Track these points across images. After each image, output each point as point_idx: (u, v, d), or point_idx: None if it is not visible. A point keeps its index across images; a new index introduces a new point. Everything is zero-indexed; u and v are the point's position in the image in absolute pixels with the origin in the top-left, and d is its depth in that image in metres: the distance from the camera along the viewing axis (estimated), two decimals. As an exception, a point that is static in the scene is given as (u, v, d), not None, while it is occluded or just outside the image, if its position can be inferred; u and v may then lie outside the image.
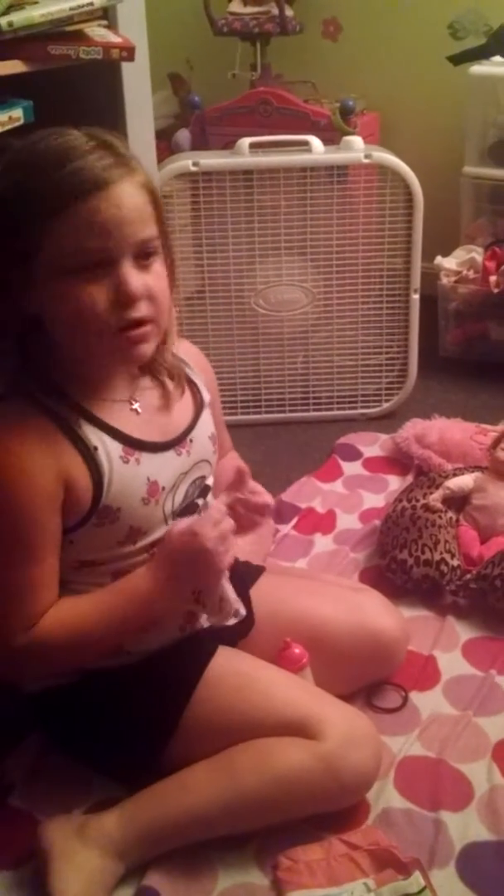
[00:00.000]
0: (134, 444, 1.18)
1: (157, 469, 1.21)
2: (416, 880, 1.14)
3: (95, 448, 1.14)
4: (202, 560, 1.15)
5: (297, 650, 1.36)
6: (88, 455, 1.14)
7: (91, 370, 1.17)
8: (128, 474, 1.17)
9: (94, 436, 1.15)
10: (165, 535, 1.19)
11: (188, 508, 1.27)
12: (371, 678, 1.47)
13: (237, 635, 1.36)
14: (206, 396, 1.31)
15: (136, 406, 1.21)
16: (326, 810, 1.22)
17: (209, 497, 1.31)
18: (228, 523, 1.17)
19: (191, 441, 1.26)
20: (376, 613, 1.45)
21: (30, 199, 1.04)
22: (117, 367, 1.19)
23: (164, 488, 1.22)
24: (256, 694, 1.25)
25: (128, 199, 1.07)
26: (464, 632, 1.63)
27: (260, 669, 1.29)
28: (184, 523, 1.17)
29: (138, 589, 1.18)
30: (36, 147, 1.08)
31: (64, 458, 1.12)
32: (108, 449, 1.15)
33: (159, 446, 1.21)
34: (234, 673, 1.26)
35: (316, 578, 1.57)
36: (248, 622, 1.37)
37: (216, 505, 1.20)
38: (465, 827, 1.24)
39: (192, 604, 1.21)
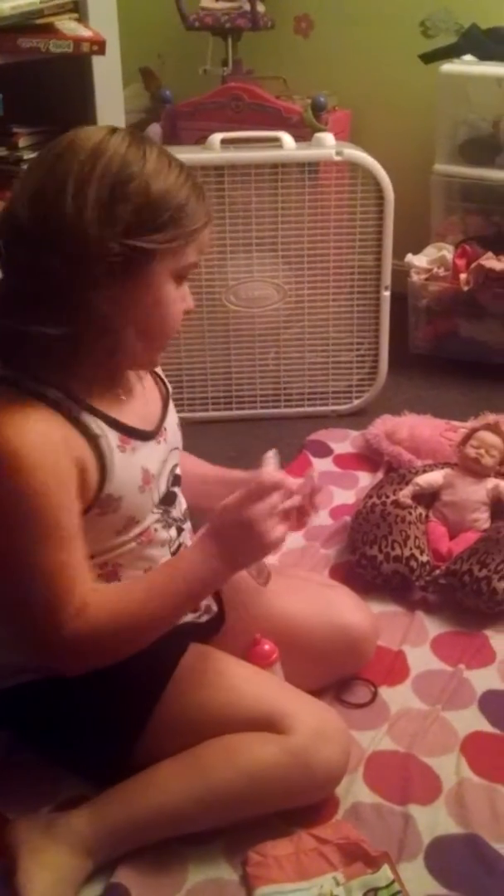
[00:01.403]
0: (128, 433, 1.18)
1: (147, 457, 1.21)
2: (385, 874, 1.15)
3: (98, 436, 1.13)
4: (252, 535, 1.11)
5: (266, 646, 1.36)
6: (94, 443, 1.12)
7: (110, 369, 1.16)
8: (125, 463, 1.16)
9: (94, 424, 1.13)
10: (215, 512, 1.14)
11: (167, 497, 1.27)
12: (341, 673, 1.48)
13: (209, 632, 1.36)
14: (170, 387, 1.33)
15: (122, 397, 1.20)
16: (296, 805, 1.23)
17: (180, 487, 1.31)
18: (278, 498, 1.13)
19: (165, 429, 1.26)
20: (346, 609, 1.46)
21: (181, 213, 1.07)
22: (133, 368, 1.21)
23: (153, 476, 1.22)
24: (226, 690, 1.25)
25: None
26: (433, 627, 1.64)
27: (230, 666, 1.29)
28: (232, 499, 1.12)
29: (188, 567, 1.15)
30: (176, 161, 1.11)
31: (76, 445, 1.10)
32: (108, 437, 1.14)
33: (147, 434, 1.21)
34: (203, 670, 1.26)
35: (286, 574, 1.57)
36: (218, 619, 1.38)
37: (264, 479, 1.14)
38: (434, 820, 1.25)
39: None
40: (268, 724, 1.20)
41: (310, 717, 1.22)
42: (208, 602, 1.37)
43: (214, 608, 1.39)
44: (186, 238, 1.08)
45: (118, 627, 1.12)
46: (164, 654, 1.25)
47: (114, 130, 1.08)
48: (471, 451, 1.87)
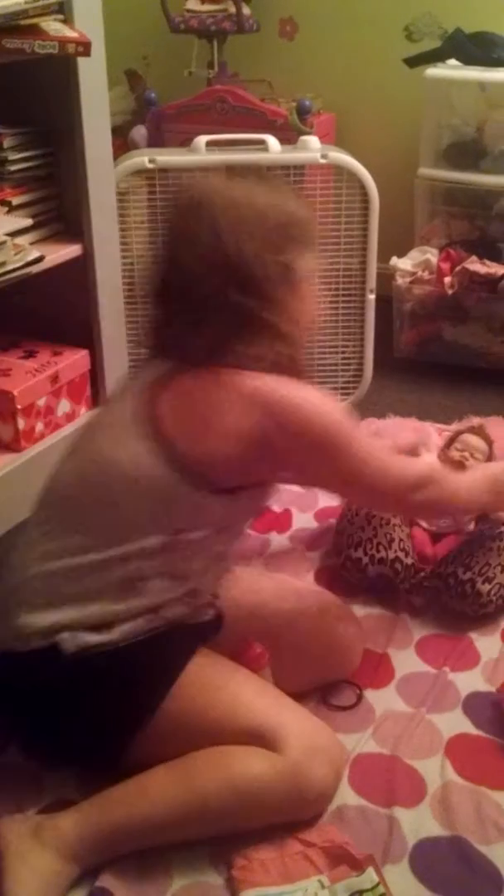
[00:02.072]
0: None
1: None
2: (370, 876, 1.15)
3: None
4: None
5: (258, 650, 1.36)
6: None
7: (292, 370, 1.29)
8: None
9: None
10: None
11: None
12: (326, 678, 1.48)
13: (211, 632, 1.36)
14: None
15: None
16: (285, 820, 1.22)
17: None
18: None
19: None
20: (335, 618, 1.47)
21: (305, 225, 1.27)
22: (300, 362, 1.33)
23: None
24: (224, 697, 1.24)
25: None
26: (417, 630, 1.65)
27: (231, 673, 1.29)
28: None
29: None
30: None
31: None
32: None
33: None
34: (208, 676, 1.26)
35: (276, 578, 1.58)
36: (219, 618, 1.38)
37: None
38: (419, 823, 1.26)
39: None
40: (260, 737, 1.20)
41: (303, 734, 1.22)
42: (212, 600, 1.38)
43: (218, 606, 1.39)
44: (311, 243, 1.28)
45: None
46: (173, 656, 1.26)
47: (222, 177, 1.26)
48: (455, 455, 1.87)
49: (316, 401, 1.24)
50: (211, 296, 1.21)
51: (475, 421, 2.20)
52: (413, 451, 1.79)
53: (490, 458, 1.89)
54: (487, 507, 1.59)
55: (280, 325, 1.25)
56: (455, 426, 2.23)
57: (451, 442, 1.91)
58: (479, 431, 1.92)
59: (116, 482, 1.22)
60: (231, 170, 1.28)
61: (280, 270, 1.23)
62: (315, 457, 1.26)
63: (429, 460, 1.61)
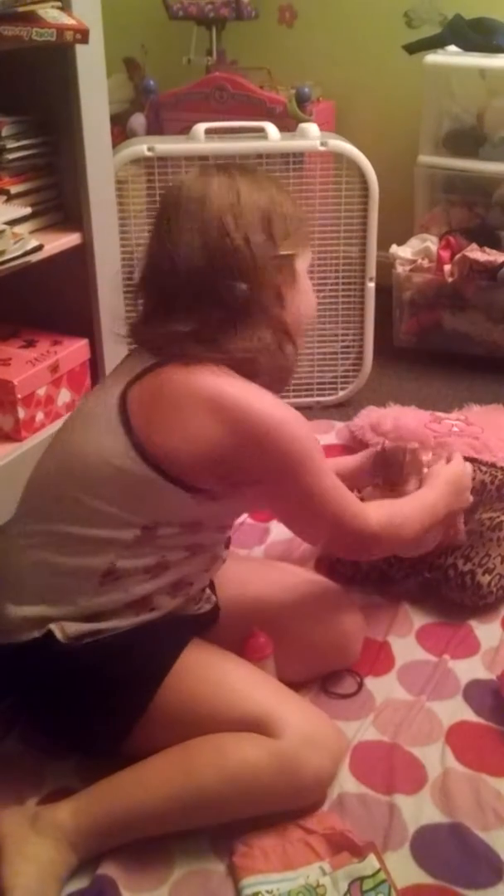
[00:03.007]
0: None
1: None
2: (371, 863, 1.15)
3: None
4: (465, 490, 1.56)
5: (262, 639, 1.36)
6: None
7: (287, 366, 1.33)
8: None
9: None
10: (443, 469, 1.54)
11: None
12: (327, 669, 1.49)
13: (207, 623, 1.37)
14: None
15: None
16: (282, 809, 1.22)
17: None
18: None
19: None
20: (336, 609, 1.48)
21: (298, 219, 1.29)
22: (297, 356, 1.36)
23: None
24: (221, 686, 1.25)
25: None
26: (417, 618, 1.65)
27: (227, 662, 1.30)
28: (459, 467, 1.56)
29: (434, 495, 1.48)
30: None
31: None
32: None
33: None
34: (204, 664, 1.27)
35: (279, 568, 1.58)
36: (216, 609, 1.39)
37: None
38: (419, 810, 1.26)
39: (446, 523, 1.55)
40: (259, 724, 1.20)
41: (301, 722, 1.22)
42: (208, 592, 1.39)
43: (213, 598, 1.40)
44: (308, 242, 1.30)
45: (400, 525, 1.38)
46: (166, 646, 1.26)
47: (212, 172, 1.24)
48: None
49: (284, 417, 1.22)
50: (210, 284, 1.20)
51: (474, 409, 2.20)
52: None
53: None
54: (427, 537, 1.54)
55: (277, 315, 1.24)
56: (455, 414, 2.23)
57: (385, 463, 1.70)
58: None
59: (92, 474, 1.21)
60: (223, 166, 1.27)
61: (280, 263, 1.23)
62: (273, 476, 1.24)
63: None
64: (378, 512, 1.36)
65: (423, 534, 1.46)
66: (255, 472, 1.23)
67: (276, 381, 1.30)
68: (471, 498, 1.59)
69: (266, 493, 1.29)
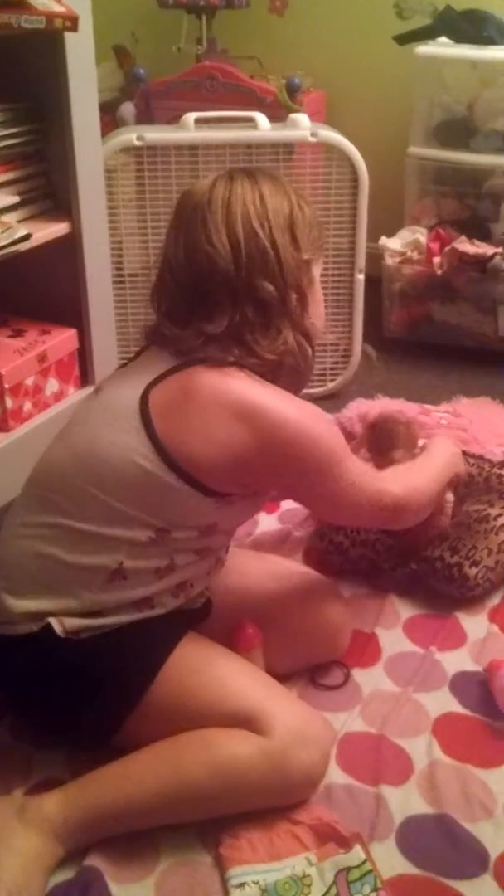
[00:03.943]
0: None
1: None
2: (357, 854, 1.16)
3: None
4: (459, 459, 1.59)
5: (250, 630, 1.36)
6: None
7: (304, 370, 1.34)
8: None
9: None
10: (436, 438, 1.62)
11: None
12: (315, 660, 1.49)
13: (201, 617, 1.37)
14: None
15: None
16: (270, 806, 1.22)
17: None
18: None
19: None
20: (324, 601, 1.48)
21: (317, 226, 1.31)
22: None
23: None
24: (212, 680, 1.25)
25: None
26: (405, 610, 1.65)
27: (219, 657, 1.30)
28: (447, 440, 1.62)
29: (437, 453, 1.54)
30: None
31: None
32: None
33: None
34: (194, 658, 1.26)
35: (267, 560, 1.58)
36: (208, 604, 1.39)
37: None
38: (405, 801, 1.27)
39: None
40: (250, 720, 1.20)
41: (291, 719, 1.22)
42: (204, 588, 1.38)
43: (207, 593, 1.40)
44: (323, 250, 1.32)
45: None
46: (161, 640, 1.26)
47: (235, 175, 1.26)
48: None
49: (305, 419, 1.24)
50: (246, 284, 1.21)
51: (463, 401, 2.20)
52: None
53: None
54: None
55: (300, 318, 1.27)
56: (444, 406, 2.24)
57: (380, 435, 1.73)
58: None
59: (107, 471, 1.20)
60: (246, 170, 1.29)
61: (303, 266, 1.26)
62: (299, 477, 1.26)
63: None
64: (396, 479, 1.39)
65: (438, 494, 1.50)
66: (284, 477, 1.26)
67: (295, 384, 1.30)
68: (464, 468, 1.63)
69: (297, 494, 1.35)
